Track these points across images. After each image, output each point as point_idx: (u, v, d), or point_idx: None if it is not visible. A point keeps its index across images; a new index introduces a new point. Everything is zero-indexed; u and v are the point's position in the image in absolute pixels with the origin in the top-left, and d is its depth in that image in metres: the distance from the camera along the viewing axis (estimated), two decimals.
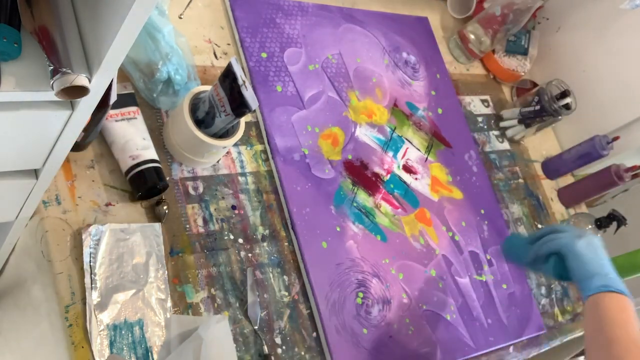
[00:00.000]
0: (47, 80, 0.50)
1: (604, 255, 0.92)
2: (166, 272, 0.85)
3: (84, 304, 0.78)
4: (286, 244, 0.99)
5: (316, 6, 1.21)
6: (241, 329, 0.89)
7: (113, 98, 0.76)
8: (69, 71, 0.50)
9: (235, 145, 1.01)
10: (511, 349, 1.16)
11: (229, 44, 1.09)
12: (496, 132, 1.42)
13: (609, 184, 1.38)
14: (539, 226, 1.37)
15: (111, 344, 0.77)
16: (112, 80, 0.75)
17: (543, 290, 1.29)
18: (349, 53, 1.21)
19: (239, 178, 0.99)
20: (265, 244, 0.96)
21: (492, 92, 1.47)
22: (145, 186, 0.85)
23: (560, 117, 1.36)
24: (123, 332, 0.78)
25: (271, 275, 0.95)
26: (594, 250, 0.91)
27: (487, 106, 1.44)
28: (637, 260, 1.33)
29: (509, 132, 1.42)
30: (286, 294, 0.95)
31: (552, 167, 1.47)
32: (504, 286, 1.20)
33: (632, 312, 0.85)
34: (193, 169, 0.95)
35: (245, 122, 0.99)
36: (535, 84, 1.50)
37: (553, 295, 1.30)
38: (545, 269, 0.96)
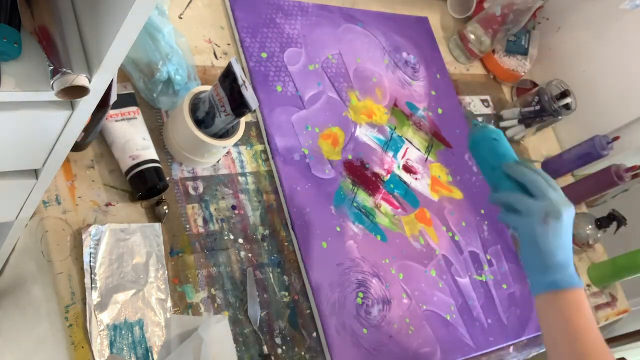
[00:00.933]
0: (47, 80, 0.50)
1: (565, 240, 0.79)
2: (166, 272, 0.85)
3: (84, 304, 0.78)
4: (286, 244, 0.99)
5: (316, 6, 1.21)
6: (241, 329, 0.89)
7: (113, 98, 0.76)
8: (69, 71, 0.50)
9: (235, 145, 1.01)
10: (511, 349, 1.16)
11: (229, 44, 1.09)
12: None
13: (609, 184, 1.37)
14: None
15: (111, 344, 0.77)
16: (112, 80, 0.75)
17: None
18: (349, 53, 1.21)
19: (239, 178, 0.99)
20: (265, 244, 0.96)
21: (492, 92, 1.47)
22: (145, 186, 0.85)
23: (560, 117, 1.36)
24: (123, 332, 0.78)
25: (271, 275, 0.95)
26: (557, 236, 0.78)
27: (487, 106, 1.44)
28: (637, 260, 1.34)
29: (509, 132, 1.42)
30: (286, 294, 0.95)
31: (552, 167, 1.47)
32: (504, 286, 1.20)
33: (588, 308, 0.78)
34: (193, 169, 0.95)
35: (245, 122, 0.99)
36: (535, 84, 1.50)
37: None
38: (500, 213, 0.85)
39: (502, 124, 1.43)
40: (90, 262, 0.79)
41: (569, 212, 0.80)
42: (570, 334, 0.77)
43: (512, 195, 0.83)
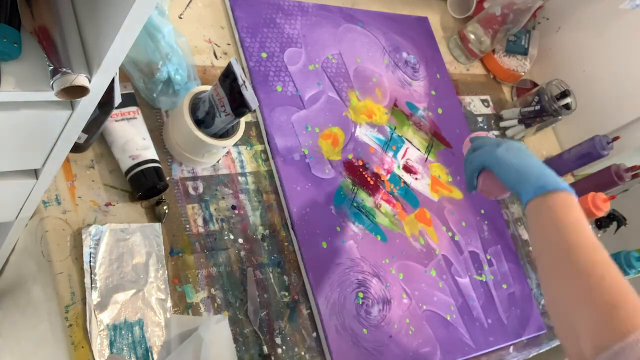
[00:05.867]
0: (47, 80, 0.50)
1: (529, 156, 0.84)
2: (166, 272, 0.85)
3: (84, 304, 0.78)
4: (286, 244, 0.99)
5: (316, 6, 1.21)
6: (241, 329, 0.89)
7: (117, 100, 0.76)
8: (69, 71, 0.50)
9: (235, 145, 1.01)
10: (511, 349, 1.16)
11: (229, 44, 1.09)
12: (496, 132, 1.42)
13: (609, 184, 1.38)
14: None
15: (111, 344, 0.77)
16: (115, 82, 0.75)
17: None
18: (349, 53, 1.21)
19: (239, 178, 0.99)
20: (265, 244, 0.96)
21: (492, 92, 1.47)
22: (145, 186, 0.85)
23: (560, 117, 1.36)
24: (123, 332, 0.78)
25: (271, 275, 0.95)
26: (515, 153, 0.85)
27: (487, 106, 1.44)
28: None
29: (509, 132, 1.42)
30: (286, 294, 0.95)
31: (552, 167, 1.43)
32: (504, 286, 1.20)
33: (579, 208, 0.77)
34: (193, 169, 0.95)
35: (245, 122, 0.99)
36: (535, 84, 1.50)
37: None
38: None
39: (502, 124, 1.43)
40: (90, 262, 0.79)
41: (514, 141, 0.88)
42: (560, 230, 0.75)
43: (471, 156, 0.93)
